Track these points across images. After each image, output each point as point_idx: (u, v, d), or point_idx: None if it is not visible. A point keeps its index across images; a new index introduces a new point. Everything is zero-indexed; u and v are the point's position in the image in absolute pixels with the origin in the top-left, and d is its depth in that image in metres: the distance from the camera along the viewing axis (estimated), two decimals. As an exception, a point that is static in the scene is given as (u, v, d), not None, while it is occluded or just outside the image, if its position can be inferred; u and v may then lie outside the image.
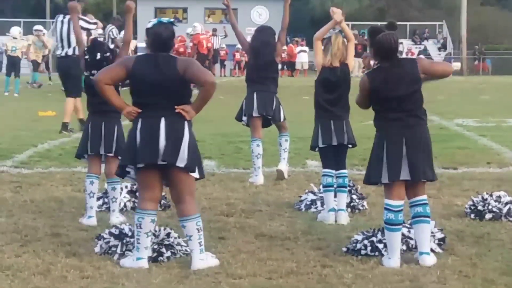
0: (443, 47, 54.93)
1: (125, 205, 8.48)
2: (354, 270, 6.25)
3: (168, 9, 54.19)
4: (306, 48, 46.69)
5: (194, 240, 6.32)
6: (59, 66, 15.89)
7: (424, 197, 6.55)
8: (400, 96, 6.41)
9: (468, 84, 35.54)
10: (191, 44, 30.87)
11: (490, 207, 8.06)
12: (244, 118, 10.53)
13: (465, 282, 6.01)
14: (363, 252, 6.65)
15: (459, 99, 25.58)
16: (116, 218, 7.92)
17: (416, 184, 6.51)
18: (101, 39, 15.39)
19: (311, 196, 8.67)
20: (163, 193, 8.38)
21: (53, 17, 55.03)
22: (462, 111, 20.50)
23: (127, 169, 6.39)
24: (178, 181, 6.31)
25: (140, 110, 6.27)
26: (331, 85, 8.09)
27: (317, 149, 8.24)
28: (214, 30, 34.10)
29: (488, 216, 8.03)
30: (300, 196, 8.84)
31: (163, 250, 6.53)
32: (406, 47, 49.79)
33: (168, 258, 6.51)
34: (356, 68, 38.52)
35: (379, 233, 6.73)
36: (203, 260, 6.31)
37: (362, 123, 13.25)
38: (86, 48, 8.00)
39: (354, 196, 8.55)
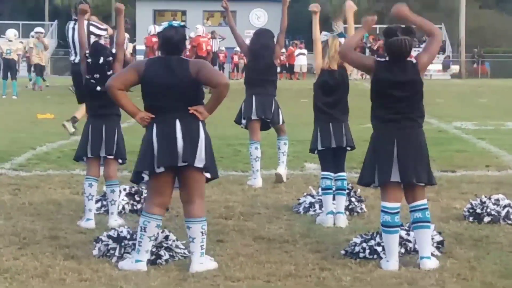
0: (442, 50, 54.84)
1: (123, 208, 8.48)
2: (353, 273, 6.25)
3: (167, 11, 54.16)
4: (305, 51, 46.68)
5: (196, 243, 6.32)
6: (73, 72, 15.91)
7: (424, 201, 6.53)
8: (396, 96, 6.41)
9: (467, 87, 35.55)
10: (189, 46, 30.85)
11: (488, 210, 8.07)
12: (243, 121, 10.53)
13: (463, 285, 6.01)
14: (361, 255, 6.64)
15: (458, 102, 25.59)
16: (115, 220, 7.92)
17: (414, 187, 6.49)
18: (107, 41, 15.37)
19: (309, 199, 8.67)
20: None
21: (51, 20, 55.30)
22: (461, 114, 20.51)
23: (143, 175, 6.37)
24: (192, 182, 6.31)
25: (153, 116, 6.27)
26: (329, 88, 8.09)
27: (316, 151, 8.23)
28: (213, 32, 34.08)
29: (487, 219, 8.03)
30: (299, 199, 8.84)
31: (162, 252, 6.52)
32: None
33: (166, 260, 6.50)
34: (355, 71, 38.51)
35: (378, 236, 6.72)
36: (202, 263, 6.31)
37: (361, 126, 13.25)
38: (88, 52, 7.99)
39: (352, 199, 8.55)
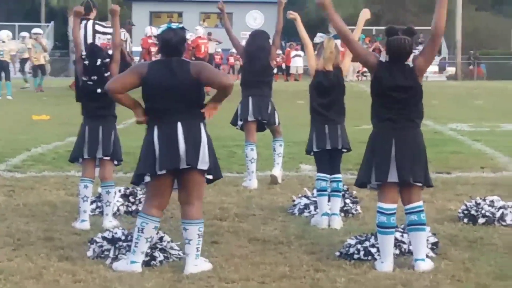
0: (438, 51, 55.02)
1: (118, 209, 8.47)
2: (347, 275, 6.25)
3: (163, 13, 54.14)
4: (301, 53, 46.67)
5: (192, 244, 6.31)
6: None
7: (420, 203, 6.52)
8: (395, 98, 6.41)
9: (463, 89, 35.58)
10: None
11: (483, 211, 8.07)
12: (240, 123, 10.53)
13: (458, 286, 6.02)
14: (356, 256, 6.65)
15: (453, 104, 25.61)
16: (109, 222, 7.91)
17: (410, 189, 6.49)
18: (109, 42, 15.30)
19: (304, 201, 8.67)
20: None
21: (48, 21, 55.24)
22: (456, 116, 20.52)
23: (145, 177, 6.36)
24: (192, 184, 6.30)
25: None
26: (324, 89, 8.10)
27: (312, 153, 8.24)
28: (209, 34, 34.07)
29: (481, 220, 8.04)
30: (294, 200, 8.84)
31: (156, 254, 6.52)
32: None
33: (161, 262, 6.50)
34: (351, 73, 38.57)
35: (372, 237, 6.72)
36: (197, 265, 6.30)
37: (356, 128, 13.27)
38: (84, 53, 7.98)
39: (347, 200, 8.55)
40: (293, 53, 47.58)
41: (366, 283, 6.06)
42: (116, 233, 6.76)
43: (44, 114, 19.64)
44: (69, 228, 7.82)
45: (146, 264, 6.41)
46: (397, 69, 6.41)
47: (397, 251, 6.68)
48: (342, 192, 8.32)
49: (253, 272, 6.30)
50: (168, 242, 6.66)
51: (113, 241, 6.67)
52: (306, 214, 8.49)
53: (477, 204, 8.14)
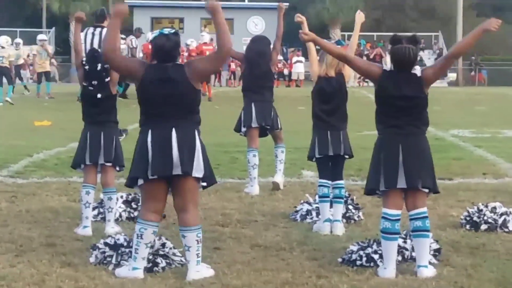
0: (439, 57, 55.05)
1: (120, 215, 8.47)
2: (349, 281, 6.24)
3: (164, 19, 54.17)
4: (302, 59, 46.73)
5: (192, 251, 6.30)
6: None
7: (424, 209, 6.51)
8: (400, 106, 6.41)
9: (464, 95, 35.58)
10: (186, 54, 30.77)
11: (485, 218, 8.07)
12: (243, 129, 10.53)
13: (460, 293, 6.01)
14: (358, 262, 6.64)
15: (455, 110, 25.61)
16: (112, 228, 7.91)
17: (416, 194, 6.48)
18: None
19: (306, 207, 8.66)
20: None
21: (49, 27, 55.32)
22: (458, 122, 20.53)
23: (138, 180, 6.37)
24: (186, 191, 6.29)
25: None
26: (327, 95, 8.10)
27: (314, 159, 8.24)
28: (211, 40, 34.07)
29: (484, 227, 8.03)
30: (296, 207, 8.84)
31: (158, 260, 6.52)
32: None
33: (163, 268, 6.50)
34: (352, 79, 38.59)
35: (375, 244, 6.72)
36: (199, 271, 6.30)
37: (358, 134, 13.25)
38: (85, 59, 7.99)
39: (350, 207, 8.54)
40: (294, 59, 47.65)
41: (368, 290, 6.06)
42: (118, 239, 6.76)
43: (46, 120, 19.65)
44: (71, 234, 7.82)
45: (148, 270, 6.41)
46: (403, 78, 6.42)
47: (400, 258, 6.68)
48: (344, 198, 8.32)
49: (255, 278, 6.29)
50: (171, 248, 6.66)
51: (115, 247, 6.67)
52: (308, 220, 8.49)
53: (479, 211, 8.14)
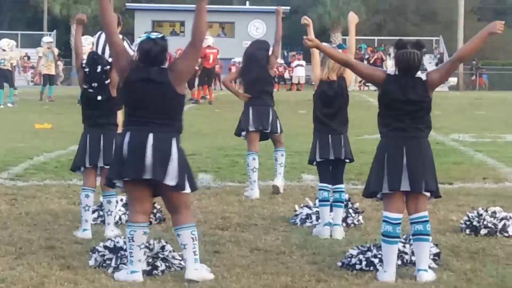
0: (440, 62, 54.97)
1: (120, 218, 8.47)
2: (349, 285, 6.24)
3: (165, 22, 54.26)
4: (303, 62, 46.78)
5: (188, 249, 6.30)
6: None
7: (425, 213, 6.50)
8: (404, 110, 6.41)
9: (465, 99, 35.57)
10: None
11: (485, 222, 8.06)
12: (243, 133, 10.55)
13: (460, 297, 6.01)
14: (358, 266, 6.64)
15: (456, 114, 25.60)
16: (111, 231, 7.91)
17: (417, 198, 6.47)
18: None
19: (306, 210, 8.66)
20: (159, 206, 8.38)
21: (50, 30, 55.37)
22: (458, 126, 20.52)
23: (114, 181, 6.38)
24: (170, 196, 6.32)
25: None
26: (328, 99, 8.10)
27: (314, 163, 8.23)
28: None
29: (483, 231, 8.03)
30: (296, 210, 8.83)
31: (158, 263, 6.52)
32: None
33: (162, 271, 6.49)
34: (353, 83, 38.58)
35: (374, 248, 6.72)
36: (198, 269, 6.28)
37: (358, 138, 13.26)
38: (85, 61, 7.99)
39: (350, 210, 8.54)
40: (295, 62, 47.66)
41: (368, 294, 6.05)
42: (118, 242, 6.75)
43: (47, 123, 19.66)
44: (71, 237, 7.81)
45: (147, 273, 6.40)
46: (407, 82, 6.41)
47: (399, 262, 6.67)
48: (344, 202, 8.32)
49: (255, 282, 6.29)
50: (170, 251, 6.65)
51: (115, 250, 6.67)
52: (308, 224, 8.49)
53: (479, 215, 8.14)
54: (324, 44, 6.90)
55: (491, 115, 25.45)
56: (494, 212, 8.18)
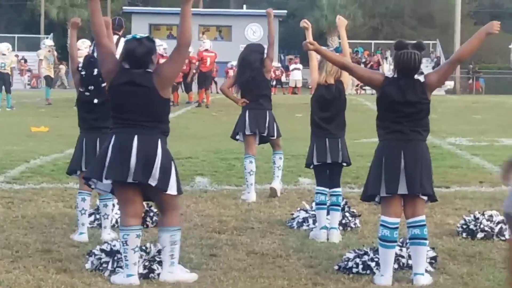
0: (437, 65, 55.02)
1: (116, 222, 8.45)
2: (346, 288, 6.24)
3: (162, 25, 54.24)
4: (300, 66, 46.80)
5: (165, 251, 6.34)
6: None
7: (423, 217, 6.49)
8: (403, 112, 6.40)
9: (461, 103, 35.60)
10: (186, 61, 30.71)
11: (482, 226, 8.06)
12: (238, 136, 10.54)
13: (456, 301, 6.01)
14: (354, 270, 6.63)
15: (452, 118, 25.61)
16: (108, 234, 7.91)
17: (415, 202, 6.46)
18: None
19: (303, 214, 8.66)
20: (156, 210, 8.37)
21: (47, 33, 55.35)
22: (455, 130, 20.52)
23: (91, 182, 6.39)
24: (156, 197, 6.35)
25: None
26: (326, 103, 8.10)
27: (311, 166, 8.23)
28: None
29: (480, 235, 8.03)
30: (292, 214, 8.83)
31: (154, 266, 6.51)
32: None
33: (159, 274, 6.48)
34: (349, 86, 38.55)
35: (371, 251, 6.71)
36: (172, 273, 6.32)
37: (355, 141, 13.25)
38: (81, 64, 7.98)
39: (346, 214, 8.54)
40: (292, 66, 47.68)
41: (364, 297, 6.05)
42: (114, 245, 6.74)
43: (43, 126, 19.64)
44: (68, 240, 7.80)
45: (144, 276, 6.40)
46: (406, 84, 6.41)
47: (396, 265, 6.67)
48: (341, 206, 8.31)
49: (251, 285, 6.29)
50: (167, 255, 6.65)
51: (111, 253, 6.66)
52: (304, 227, 8.49)
53: (476, 219, 8.14)
54: (323, 48, 6.91)
55: (488, 119, 25.47)
56: (491, 216, 8.18)
